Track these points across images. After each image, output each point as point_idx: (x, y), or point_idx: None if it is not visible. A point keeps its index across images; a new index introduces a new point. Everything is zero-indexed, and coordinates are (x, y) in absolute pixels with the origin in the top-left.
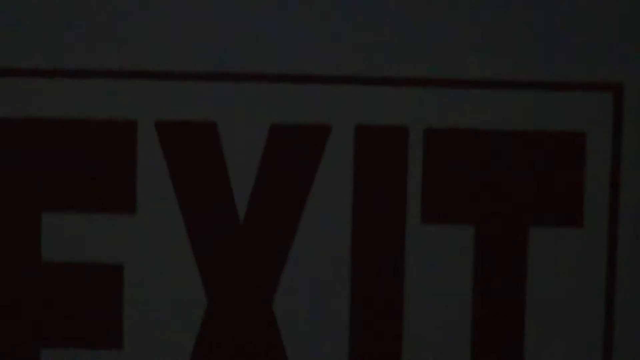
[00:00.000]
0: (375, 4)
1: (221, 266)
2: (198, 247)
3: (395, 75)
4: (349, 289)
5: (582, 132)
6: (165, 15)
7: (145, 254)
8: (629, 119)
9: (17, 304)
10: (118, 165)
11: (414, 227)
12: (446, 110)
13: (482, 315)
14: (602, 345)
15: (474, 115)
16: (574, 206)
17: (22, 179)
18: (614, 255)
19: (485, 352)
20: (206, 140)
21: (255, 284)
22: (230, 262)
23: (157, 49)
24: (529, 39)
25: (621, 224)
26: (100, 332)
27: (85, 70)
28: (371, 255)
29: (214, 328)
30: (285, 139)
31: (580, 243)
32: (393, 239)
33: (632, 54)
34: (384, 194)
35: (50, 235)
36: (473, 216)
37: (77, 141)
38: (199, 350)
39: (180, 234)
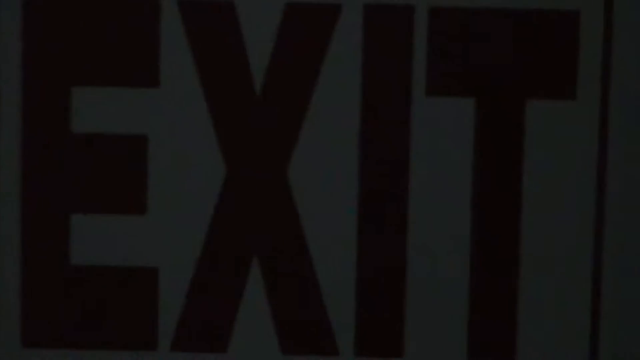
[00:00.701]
0: None
1: (239, 137)
2: (217, 118)
3: None
4: (358, 157)
5: (576, 10)
6: None
7: (168, 124)
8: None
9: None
10: (143, 41)
11: (419, 100)
12: None
13: (482, 186)
14: (594, 219)
15: None
16: (568, 80)
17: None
18: (605, 126)
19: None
20: (225, 19)
21: (270, 152)
22: (247, 133)
23: None
24: None
25: (611, 97)
26: (125, 199)
27: None
28: (378, 125)
29: (232, 193)
30: (298, 17)
31: (574, 115)
32: (399, 110)
33: None
34: (391, 67)
35: (78, 107)
36: (474, 88)
37: (105, 17)
38: (219, 213)
39: (200, 106)
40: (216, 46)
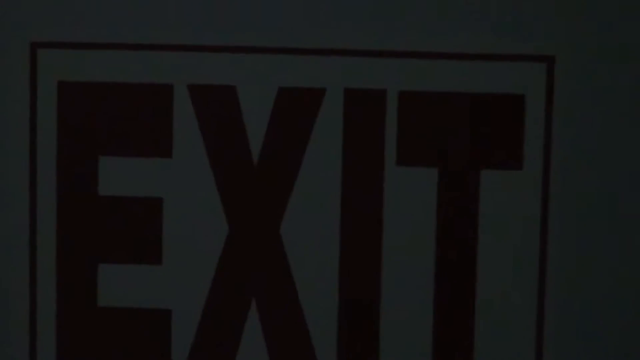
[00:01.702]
0: None
1: (239, 200)
2: (221, 186)
3: (376, 48)
4: (339, 216)
5: (521, 95)
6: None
7: (179, 189)
8: (559, 85)
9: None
10: (158, 119)
11: (390, 169)
12: (416, 76)
13: (444, 238)
14: (538, 259)
15: (439, 80)
16: (515, 153)
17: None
18: (547, 191)
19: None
20: (227, 100)
21: (265, 213)
22: (246, 197)
23: (189, 25)
24: (478, 15)
25: (552, 167)
26: (144, 252)
27: (136, 44)
28: (356, 189)
29: (234, 246)
30: (289, 99)
31: (520, 182)
32: (373, 178)
33: (563, 31)
34: (367, 142)
35: (104, 174)
36: (438, 160)
37: (127, 99)
38: (223, 264)
39: (207, 174)
40: (220, 123)
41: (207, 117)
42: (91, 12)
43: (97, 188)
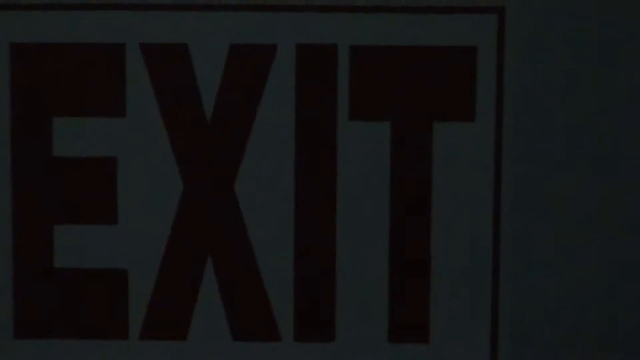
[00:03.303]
0: None
1: (193, 157)
2: (175, 144)
3: (327, 3)
4: (294, 171)
5: (473, 46)
6: None
7: (133, 148)
8: (510, 35)
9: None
10: (112, 79)
11: (343, 123)
12: (367, 31)
13: (398, 192)
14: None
15: (390, 34)
16: (467, 105)
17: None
18: (499, 142)
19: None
20: (179, 58)
21: (220, 170)
22: (200, 154)
23: None
24: None
25: (505, 118)
26: (100, 212)
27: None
28: (310, 144)
29: (189, 204)
30: (241, 56)
31: (473, 134)
32: (326, 134)
33: None
34: (320, 97)
35: (58, 135)
36: (390, 114)
37: (81, 59)
38: (178, 222)
39: (161, 132)
40: (173, 81)
41: (160, 75)
42: None
43: (52, 149)
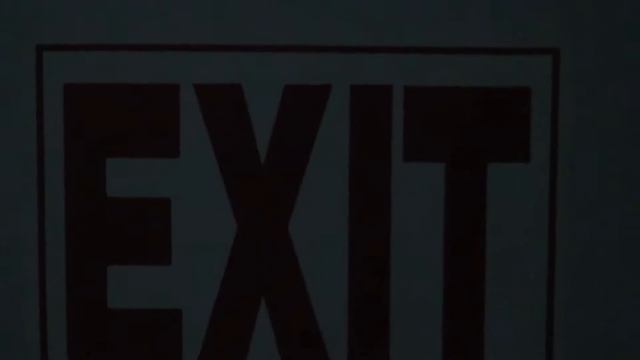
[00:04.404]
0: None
1: (247, 198)
2: (229, 185)
3: (381, 44)
4: (347, 213)
5: (527, 87)
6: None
7: (187, 189)
8: (564, 77)
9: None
10: (166, 119)
11: (397, 165)
12: (422, 72)
13: (453, 233)
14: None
15: (445, 75)
16: (522, 146)
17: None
18: (554, 183)
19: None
20: (234, 99)
21: (274, 212)
22: (254, 195)
23: (194, 24)
24: (482, 9)
25: (560, 159)
26: (153, 252)
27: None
28: (364, 186)
29: (243, 245)
30: (295, 96)
31: (528, 175)
32: (380, 174)
33: (567, 22)
34: (374, 138)
35: (112, 176)
36: (445, 155)
37: (134, 99)
38: (232, 263)
39: (215, 173)
40: (227, 122)
41: (214, 116)
42: (96, 13)
43: (105, 190)
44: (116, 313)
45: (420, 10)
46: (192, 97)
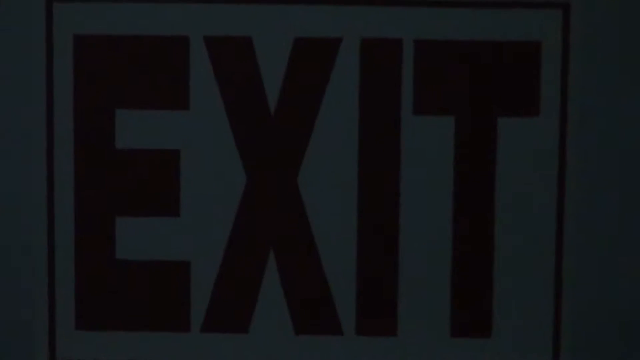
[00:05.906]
0: None
1: (256, 150)
2: (238, 137)
3: None
4: (356, 165)
5: (538, 41)
6: None
7: (196, 141)
8: (575, 31)
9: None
10: (176, 71)
11: (407, 118)
12: (432, 25)
13: (461, 186)
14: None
15: (455, 29)
16: (532, 99)
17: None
18: (564, 137)
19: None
20: (244, 51)
21: (283, 163)
22: (263, 147)
23: None
24: None
25: (569, 112)
26: (162, 204)
27: None
28: (373, 140)
29: (252, 197)
30: (305, 49)
31: (538, 128)
32: (390, 127)
33: None
34: (384, 91)
35: (121, 127)
36: (454, 109)
37: (142, 52)
38: (240, 214)
39: (224, 125)
40: (236, 74)
41: (224, 68)
42: None
43: (114, 141)
44: (124, 264)
45: None
46: (202, 49)
